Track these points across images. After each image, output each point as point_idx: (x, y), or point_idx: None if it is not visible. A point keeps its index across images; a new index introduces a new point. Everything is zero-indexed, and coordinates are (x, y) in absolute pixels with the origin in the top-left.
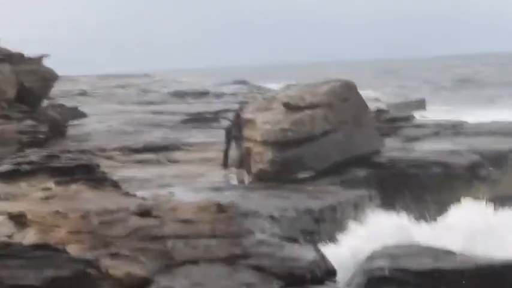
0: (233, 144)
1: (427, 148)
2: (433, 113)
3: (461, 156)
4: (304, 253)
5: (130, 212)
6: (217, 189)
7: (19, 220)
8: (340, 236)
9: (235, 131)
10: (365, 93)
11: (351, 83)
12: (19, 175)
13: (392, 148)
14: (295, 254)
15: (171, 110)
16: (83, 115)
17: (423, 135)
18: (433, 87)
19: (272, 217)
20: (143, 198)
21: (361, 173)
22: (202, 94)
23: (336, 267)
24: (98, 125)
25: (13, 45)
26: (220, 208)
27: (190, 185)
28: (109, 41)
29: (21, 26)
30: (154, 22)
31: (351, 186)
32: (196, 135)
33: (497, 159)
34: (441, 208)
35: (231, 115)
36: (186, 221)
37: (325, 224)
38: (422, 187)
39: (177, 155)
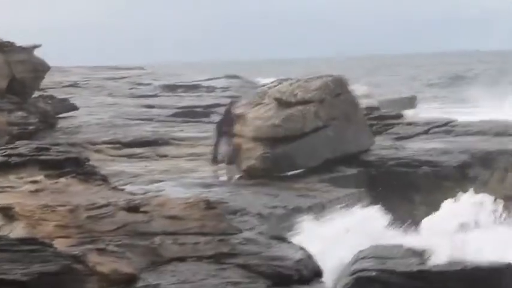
0: (223, 140)
1: (417, 147)
2: (424, 111)
3: (451, 156)
4: (291, 252)
5: (119, 207)
6: (206, 185)
7: (7, 213)
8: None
9: (226, 126)
10: (356, 89)
11: (343, 78)
12: (8, 167)
13: (382, 146)
14: (283, 253)
15: (161, 104)
16: (73, 107)
17: (413, 133)
18: (422, 84)
19: (261, 215)
20: (132, 193)
21: (350, 171)
22: (194, 88)
23: None
24: (88, 118)
25: (12, 35)
26: (209, 205)
27: (180, 180)
28: (106, 33)
29: (18, 15)
30: (150, 14)
31: (340, 184)
32: (187, 130)
33: (486, 159)
34: (429, 208)
35: (222, 110)
36: (174, 218)
37: None
38: (411, 186)
39: (167, 149)
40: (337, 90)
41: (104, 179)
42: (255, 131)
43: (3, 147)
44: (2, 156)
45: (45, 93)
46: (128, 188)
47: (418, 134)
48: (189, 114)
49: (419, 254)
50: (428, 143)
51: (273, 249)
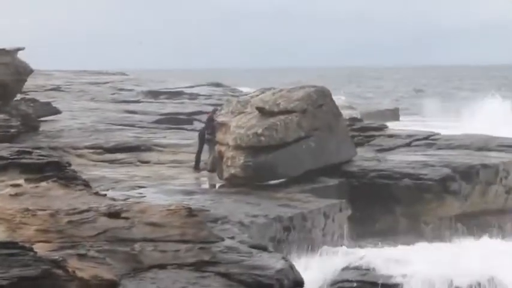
0: (206, 147)
1: (399, 159)
2: (406, 123)
3: (432, 169)
4: (272, 262)
5: (100, 213)
6: (188, 192)
7: None
8: None
9: (209, 133)
10: (338, 100)
11: (326, 89)
12: None
13: (364, 158)
14: (264, 262)
15: (144, 110)
16: (56, 111)
17: (395, 145)
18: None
19: (242, 223)
20: (113, 199)
21: (332, 181)
22: (177, 94)
23: None
24: (70, 122)
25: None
26: (191, 212)
27: (161, 187)
28: (91, 37)
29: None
30: (136, 22)
31: (321, 195)
32: (169, 136)
33: (468, 173)
34: (410, 220)
35: (204, 117)
36: (155, 224)
37: (294, 233)
38: (392, 198)
39: (149, 155)
40: (319, 101)
41: (85, 184)
42: (237, 140)
43: None
44: None
45: (27, 96)
46: (109, 193)
47: (399, 146)
48: (172, 121)
49: (400, 265)
50: (410, 156)
51: (254, 258)
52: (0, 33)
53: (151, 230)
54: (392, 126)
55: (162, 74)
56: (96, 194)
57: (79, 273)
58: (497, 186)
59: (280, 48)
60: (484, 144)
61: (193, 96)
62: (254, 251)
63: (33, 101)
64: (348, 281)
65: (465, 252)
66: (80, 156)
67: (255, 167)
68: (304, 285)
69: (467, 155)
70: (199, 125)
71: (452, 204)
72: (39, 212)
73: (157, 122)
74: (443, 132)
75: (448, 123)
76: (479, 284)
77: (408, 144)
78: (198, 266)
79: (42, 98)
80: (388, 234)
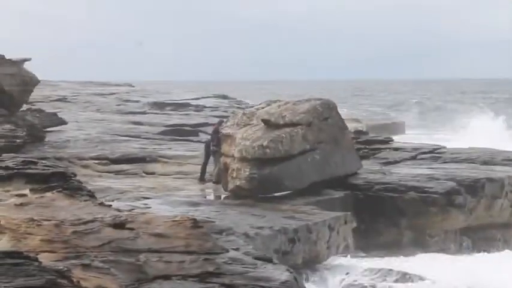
0: (211, 159)
1: (404, 172)
2: (412, 136)
3: (438, 182)
4: (277, 274)
5: (105, 223)
6: (193, 203)
7: None
8: None
9: (214, 145)
10: (344, 113)
11: (331, 102)
12: None
13: (369, 170)
14: (268, 274)
15: (149, 121)
16: (62, 122)
17: (401, 158)
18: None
19: (247, 235)
20: (118, 210)
21: (337, 194)
22: (182, 106)
23: None
24: (76, 133)
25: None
26: (196, 223)
27: (166, 198)
28: (93, 49)
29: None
30: (139, 34)
31: (326, 207)
32: (175, 148)
33: (473, 187)
34: (415, 234)
35: (210, 129)
36: (160, 235)
37: (299, 245)
38: (397, 211)
39: (154, 167)
40: (325, 114)
41: (91, 195)
42: (242, 152)
43: None
44: None
45: (33, 107)
46: (114, 204)
47: (405, 160)
48: (177, 132)
49: (403, 278)
50: (415, 169)
51: (259, 269)
52: (6, 44)
53: (156, 241)
54: (398, 139)
55: (168, 85)
56: (101, 204)
57: (83, 284)
58: (502, 200)
59: (281, 61)
60: (490, 158)
61: (199, 108)
62: (259, 262)
63: (39, 111)
64: None
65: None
66: (85, 166)
67: (260, 179)
68: None
69: (472, 169)
70: (204, 137)
71: (458, 217)
72: (44, 222)
73: (162, 133)
74: (449, 145)
75: (453, 137)
76: None
77: (414, 158)
78: (203, 277)
79: (48, 108)
80: (392, 247)
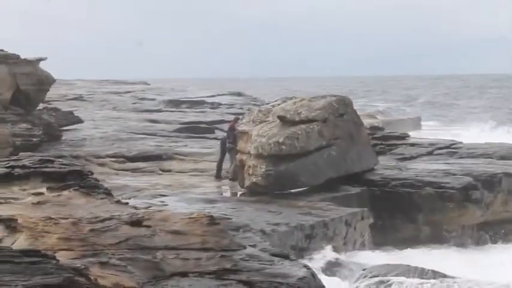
0: (227, 156)
1: (420, 168)
2: (428, 132)
3: (454, 178)
4: (294, 270)
5: (122, 221)
6: (209, 200)
7: (9, 224)
8: None
9: (230, 142)
10: (361, 109)
11: (347, 98)
12: (12, 179)
13: (386, 166)
14: (285, 270)
15: (165, 119)
16: (78, 120)
17: (417, 154)
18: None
19: (263, 231)
20: (135, 207)
21: (354, 190)
22: (198, 104)
23: None
24: (92, 131)
25: (15, 47)
26: (212, 220)
27: (183, 195)
28: (107, 48)
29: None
30: (150, 31)
31: (343, 203)
32: (191, 145)
33: (490, 182)
34: (432, 229)
35: (225, 126)
36: (177, 232)
37: (316, 241)
38: (414, 207)
39: (171, 164)
40: (340, 110)
41: (107, 193)
42: (258, 148)
43: (6, 158)
44: (5, 167)
45: (50, 106)
46: (131, 202)
47: (421, 155)
48: (193, 129)
49: (421, 273)
50: (431, 164)
51: (276, 266)
52: (22, 44)
53: (173, 238)
54: (414, 134)
55: (183, 83)
56: (118, 202)
57: (101, 281)
58: None
59: (281, 61)
60: (506, 153)
61: (214, 106)
62: (276, 259)
63: (56, 110)
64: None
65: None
66: (102, 165)
67: (276, 175)
68: None
69: (489, 164)
70: (220, 134)
71: (474, 212)
72: (62, 221)
73: (178, 130)
74: (465, 140)
75: (469, 132)
76: None
77: (430, 153)
78: (220, 274)
79: (64, 107)
80: (410, 243)
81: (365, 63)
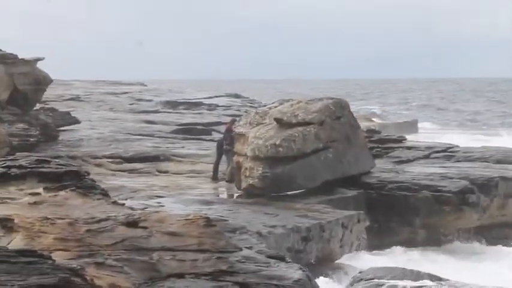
0: (224, 158)
1: (417, 171)
2: (425, 135)
3: (451, 181)
4: (290, 272)
5: (118, 222)
6: (206, 202)
7: (6, 224)
8: None
9: (227, 144)
10: (357, 111)
11: (344, 101)
12: (8, 179)
13: (382, 169)
14: (281, 272)
15: (162, 120)
16: (75, 121)
17: (414, 157)
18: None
19: (260, 233)
20: (131, 208)
21: (350, 192)
22: (195, 105)
23: None
24: (89, 132)
25: (15, 47)
26: (209, 222)
27: (179, 196)
28: (107, 48)
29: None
30: (149, 31)
31: (339, 206)
32: (188, 147)
33: (486, 185)
34: (429, 232)
35: (223, 128)
36: (173, 234)
37: (312, 243)
38: (411, 210)
39: (167, 165)
40: (337, 113)
41: (104, 193)
42: (255, 150)
43: (3, 158)
44: (2, 167)
45: (46, 106)
46: (128, 202)
47: (418, 158)
48: (190, 131)
49: (417, 276)
50: (428, 168)
51: (272, 268)
52: (19, 44)
53: (170, 240)
54: (411, 138)
55: (180, 84)
56: (115, 203)
57: (97, 282)
58: None
59: (281, 61)
60: (503, 157)
61: (211, 107)
62: (272, 261)
63: (53, 110)
64: None
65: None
66: (98, 165)
67: (273, 177)
68: None
69: (486, 168)
70: (217, 136)
71: (471, 216)
72: (58, 221)
73: (175, 132)
74: (462, 144)
75: (467, 136)
76: None
77: (427, 156)
78: (216, 276)
79: (61, 107)
80: (406, 246)
81: (365, 64)
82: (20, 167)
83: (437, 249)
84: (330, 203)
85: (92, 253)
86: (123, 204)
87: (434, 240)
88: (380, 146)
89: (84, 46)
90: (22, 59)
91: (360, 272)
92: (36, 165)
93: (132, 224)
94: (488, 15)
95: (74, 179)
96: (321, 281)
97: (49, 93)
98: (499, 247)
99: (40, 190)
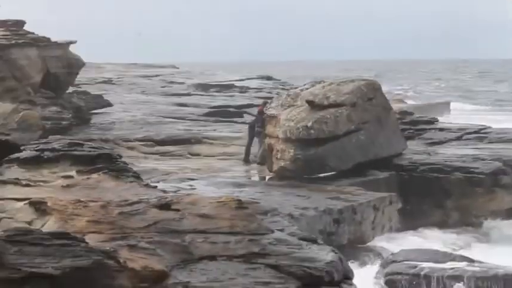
0: (255, 140)
1: (449, 153)
2: (458, 117)
3: (483, 163)
4: (322, 254)
5: (150, 204)
6: (238, 184)
7: (39, 207)
8: None
9: (258, 126)
10: (389, 93)
11: (376, 82)
12: (41, 162)
13: (414, 151)
14: (313, 254)
15: (194, 103)
16: (107, 104)
17: (446, 139)
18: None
19: (291, 216)
20: (163, 191)
21: (382, 175)
22: (227, 87)
23: None
24: (121, 115)
25: (50, 30)
26: (241, 204)
27: (211, 179)
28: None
29: (58, 10)
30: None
31: (371, 188)
32: (219, 129)
33: None
34: (461, 214)
35: (254, 110)
36: (205, 216)
37: (344, 225)
38: (443, 192)
39: (199, 148)
40: (369, 94)
41: (136, 176)
42: (287, 133)
43: (36, 141)
44: (35, 150)
45: (79, 89)
46: (160, 185)
47: (450, 140)
48: (222, 113)
49: (448, 258)
50: (460, 149)
51: (304, 250)
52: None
53: (202, 222)
54: (443, 119)
55: (212, 67)
56: (147, 186)
57: (130, 264)
58: None
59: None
60: None
61: (243, 89)
62: (304, 243)
63: (85, 93)
64: (397, 273)
65: None
66: (130, 148)
67: (305, 160)
68: (354, 277)
69: None
70: (249, 118)
71: (503, 198)
72: (91, 204)
73: (207, 114)
74: (495, 125)
75: (499, 117)
76: None
77: (459, 138)
78: (248, 258)
79: (93, 90)
80: (438, 228)
81: (394, 44)
82: (52, 150)
83: (470, 231)
84: (362, 185)
85: (124, 236)
86: (155, 187)
87: (466, 222)
88: (412, 127)
89: (114, 29)
90: (55, 42)
91: (391, 254)
92: (69, 148)
93: (165, 206)
94: None
95: (106, 162)
96: (352, 263)
97: (81, 76)
98: None
99: (73, 173)
